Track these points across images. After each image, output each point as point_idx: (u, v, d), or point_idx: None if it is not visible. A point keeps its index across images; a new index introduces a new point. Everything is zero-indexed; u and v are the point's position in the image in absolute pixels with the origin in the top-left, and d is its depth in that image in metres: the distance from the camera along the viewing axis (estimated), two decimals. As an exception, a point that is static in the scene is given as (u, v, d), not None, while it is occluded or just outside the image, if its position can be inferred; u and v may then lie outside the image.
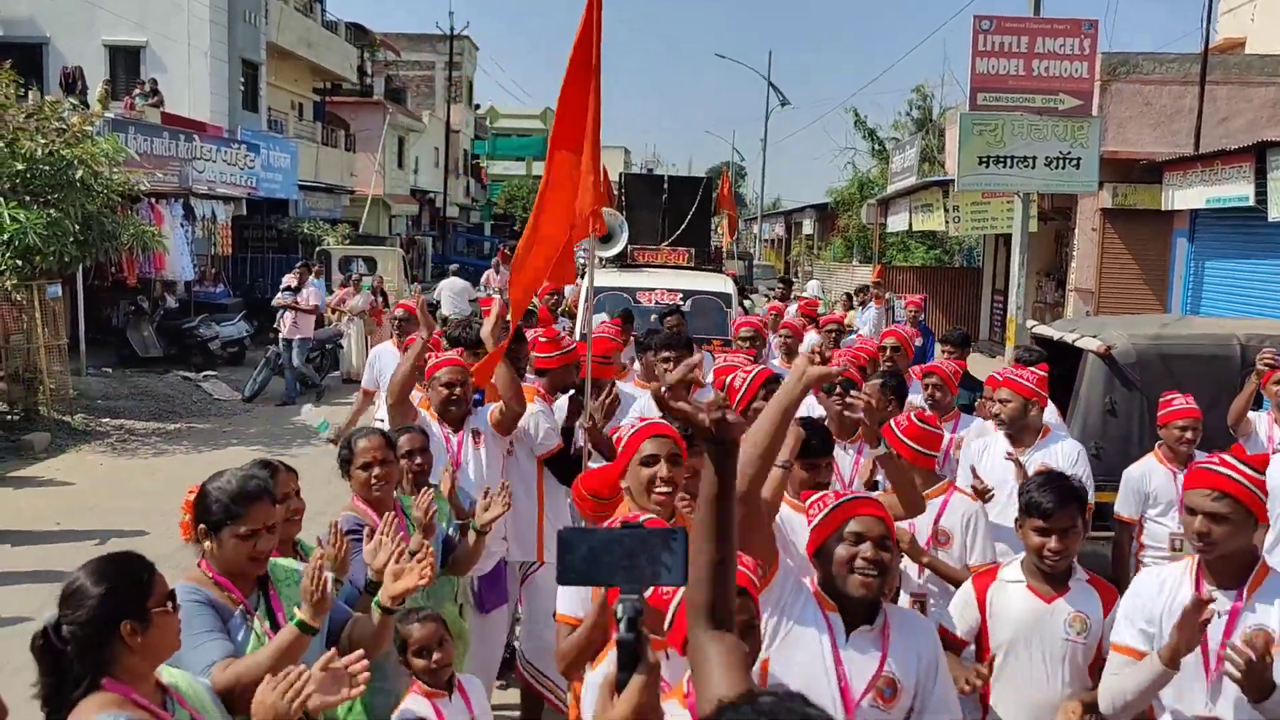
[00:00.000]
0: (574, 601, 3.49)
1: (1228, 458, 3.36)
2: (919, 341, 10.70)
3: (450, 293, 20.82)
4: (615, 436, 4.02)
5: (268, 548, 3.15)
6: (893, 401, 5.84)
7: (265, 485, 3.24)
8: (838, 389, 5.16)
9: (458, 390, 5.32)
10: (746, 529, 2.87)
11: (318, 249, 23.17)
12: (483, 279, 22.55)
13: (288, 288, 16.22)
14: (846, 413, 4.41)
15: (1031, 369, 5.63)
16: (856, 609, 3.00)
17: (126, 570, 2.59)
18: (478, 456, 5.36)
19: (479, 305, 19.52)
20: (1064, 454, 5.30)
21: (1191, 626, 3.02)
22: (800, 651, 2.98)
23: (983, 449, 5.58)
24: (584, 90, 5.09)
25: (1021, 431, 5.45)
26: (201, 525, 3.16)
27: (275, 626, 3.18)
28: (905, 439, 4.62)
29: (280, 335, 16.11)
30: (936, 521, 4.60)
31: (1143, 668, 3.19)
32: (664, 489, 3.59)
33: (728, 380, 5.04)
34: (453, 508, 4.78)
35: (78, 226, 12.55)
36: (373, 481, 4.16)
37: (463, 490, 5.02)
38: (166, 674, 2.69)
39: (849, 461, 5.10)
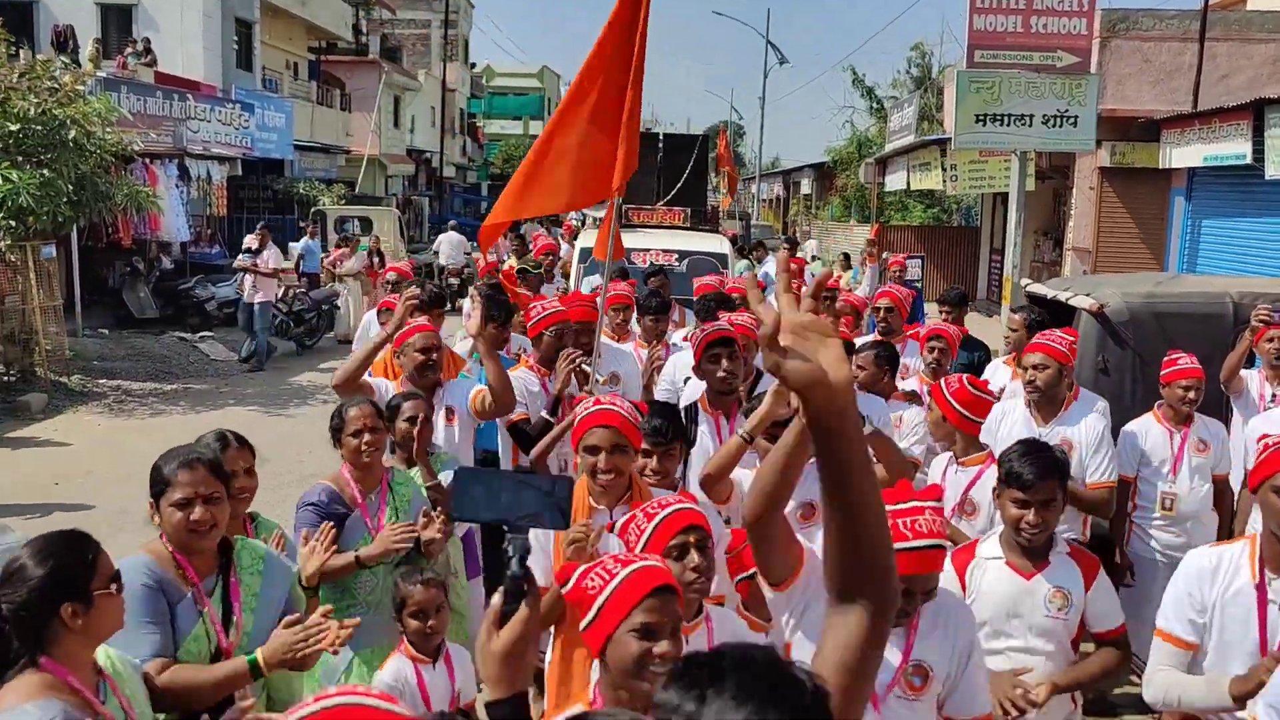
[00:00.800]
0: (535, 571, 3.56)
1: None
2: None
3: (448, 245, 22.66)
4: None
5: (205, 518, 3.06)
6: (886, 370, 5.83)
7: (202, 455, 3.19)
8: None
9: (434, 355, 5.28)
10: (763, 552, 2.87)
11: (313, 209, 23.07)
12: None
13: (248, 250, 15.85)
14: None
15: (1059, 333, 5.38)
16: None
17: (70, 550, 2.53)
18: (449, 432, 5.30)
19: (473, 260, 19.45)
20: (1089, 429, 5.08)
21: (1272, 672, 2.84)
22: None
23: (1000, 416, 5.32)
24: (625, 60, 4.96)
25: (1050, 401, 5.21)
26: (151, 499, 3.14)
27: (227, 615, 3.14)
28: (954, 403, 4.53)
29: (241, 300, 15.81)
30: (967, 490, 4.50)
31: (1206, 690, 3.05)
32: (605, 477, 3.69)
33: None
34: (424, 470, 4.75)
35: (71, 187, 12.49)
36: (363, 448, 4.18)
37: (444, 452, 5.01)
38: (103, 655, 2.64)
39: None
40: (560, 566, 2.72)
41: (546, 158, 5.01)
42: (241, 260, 15.94)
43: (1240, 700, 2.92)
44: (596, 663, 2.45)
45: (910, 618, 2.86)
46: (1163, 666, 3.19)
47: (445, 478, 4.78)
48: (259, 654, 2.96)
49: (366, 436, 4.19)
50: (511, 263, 12.07)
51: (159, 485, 3.09)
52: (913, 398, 5.83)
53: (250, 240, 16.06)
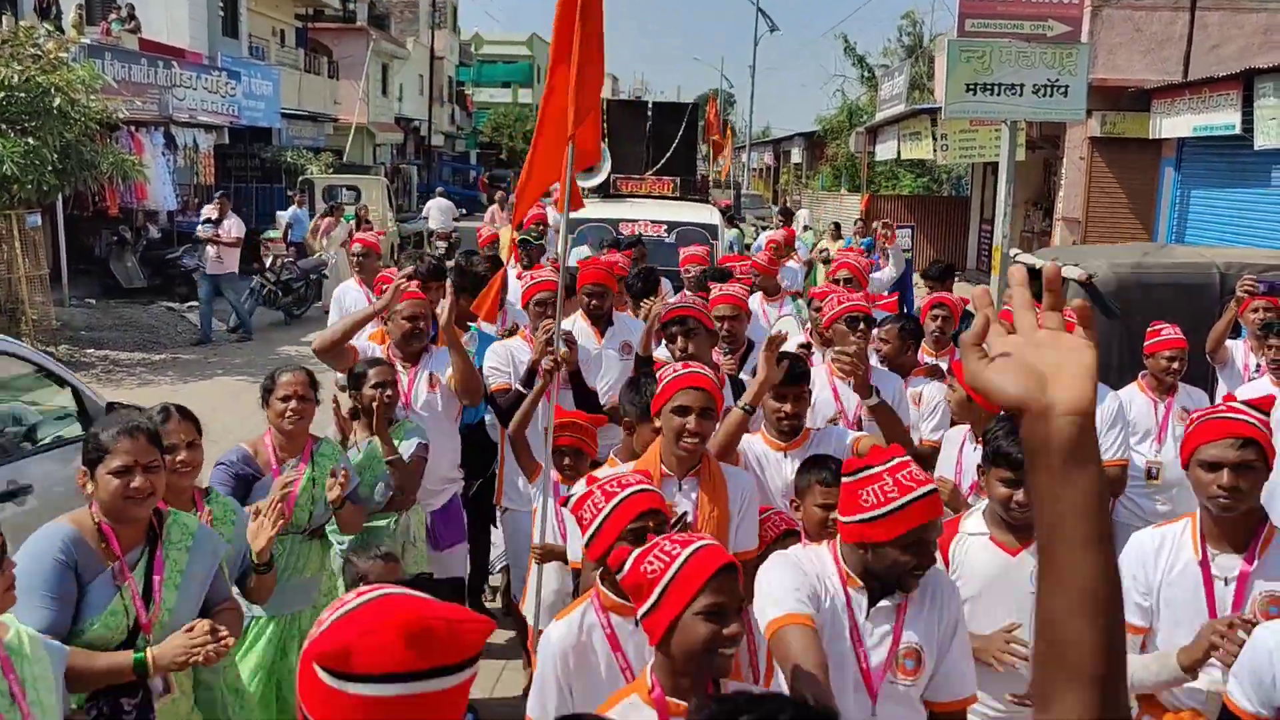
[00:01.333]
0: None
1: (1234, 403, 3.17)
2: (894, 273, 10.58)
3: (437, 211, 24.40)
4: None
5: (145, 486, 3.04)
6: (910, 345, 5.76)
7: (142, 424, 3.16)
8: (861, 325, 5.10)
9: (421, 324, 5.23)
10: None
11: (301, 178, 22.95)
12: (487, 215, 22.23)
13: (208, 220, 15.25)
14: (838, 369, 4.22)
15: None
16: (886, 586, 2.86)
17: None
18: (431, 400, 5.24)
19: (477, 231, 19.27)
20: (1103, 408, 4.98)
21: (1218, 636, 2.83)
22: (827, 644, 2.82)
23: None
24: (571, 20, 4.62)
25: None
26: (84, 467, 3.09)
27: (149, 590, 3.10)
28: None
29: (204, 271, 15.26)
30: None
31: (1156, 667, 3.00)
32: (690, 440, 3.56)
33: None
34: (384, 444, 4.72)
35: (56, 155, 12.41)
36: (287, 414, 4.18)
37: (409, 421, 4.99)
38: (14, 633, 2.56)
39: (854, 398, 4.86)
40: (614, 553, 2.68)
41: (544, 137, 4.79)
42: (202, 231, 15.34)
43: (1190, 670, 2.91)
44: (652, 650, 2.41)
45: (923, 573, 2.80)
46: None
47: (406, 448, 4.76)
48: (149, 654, 2.94)
49: (293, 403, 4.19)
50: (508, 232, 12.00)
51: (96, 452, 3.04)
52: (935, 372, 5.74)
53: (209, 210, 15.45)
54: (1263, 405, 3.17)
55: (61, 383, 5.88)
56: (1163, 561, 3.10)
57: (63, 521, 3.07)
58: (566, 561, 4.20)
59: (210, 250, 15.04)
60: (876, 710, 2.79)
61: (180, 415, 3.62)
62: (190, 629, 2.98)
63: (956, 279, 9.82)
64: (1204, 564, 3.07)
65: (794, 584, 2.77)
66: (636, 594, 2.38)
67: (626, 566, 2.41)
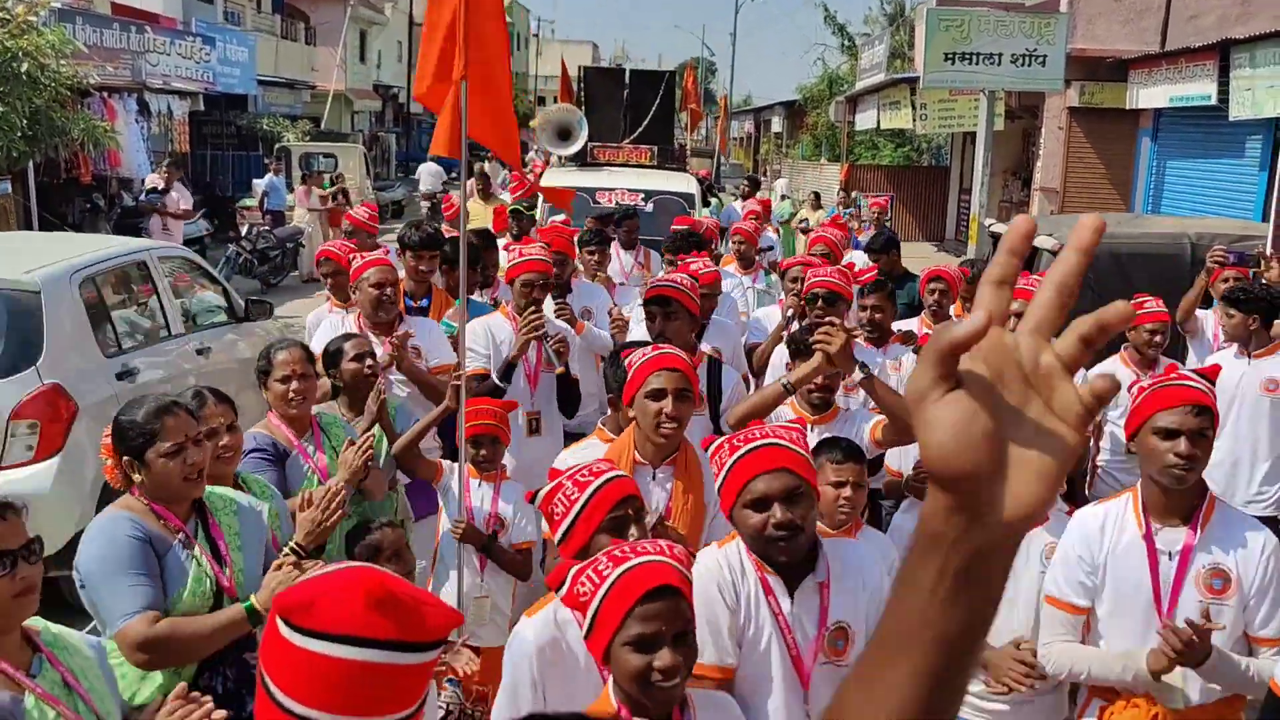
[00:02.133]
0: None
1: (1182, 369, 3.11)
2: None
3: (428, 174, 25.28)
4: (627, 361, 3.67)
5: (200, 460, 2.98)
6: (894, 308, 5.75)
7: (176, 401, 3.09)
8: (819, 302, 5.03)
9: (389, 290, 5.03)
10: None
11: (277, 146, 22.73)
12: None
13: (153, 190, 14.74)
14: (819, 345, 3.88)
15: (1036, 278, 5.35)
16: (798, 564, 2.71)
17: None
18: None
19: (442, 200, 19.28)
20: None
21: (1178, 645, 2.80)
22: (748, 646, 2.70)
23: None
24: None
25: None
26: (125, 458, 2.98)
27: (216, 554, 3.05)
28: None
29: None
30: None
31: (1120, 666, 2.96)
32: (669, 425, 3.38)
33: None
34: (384, 429, 4.46)
35: (25, 121, 12.25)
36: (290, 396, 3.99)
37: (394, 396, 4.86)
38: (45, 630, 2.45)
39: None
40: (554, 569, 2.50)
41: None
42: (147, 202, 14.80)
43: (1158, 675, 2.87)
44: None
45: (789, 539, 2.64)
46: (1059, 637, 3.08)
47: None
48: (254, 599, 2.89)
49: (295, 384, 3.99)
50: (478, 206, 11.91)
51: (142, 437, 2.92)
52: (908, 338, 5.71)
53: (154, 179, 14.93)
54: (1209, 375, 3.14)
55: (214, 281, 7.96)
56: (1107, 538, 3.04)
57: (113, 510, 2.98)
58: (483, 549, 4.12)
59: (155, 221, 14.50)
60: (809, 697, 2.66)
61: (216, 397, 3.49)
62: (278, 566, 2.91)
63: (935, 249, 9.80)
64: (1148, 538, 3.03)
65: (711, 618, 2.63)
66: (581, 616, 2.26)
67: (564, 587, 2.28)
